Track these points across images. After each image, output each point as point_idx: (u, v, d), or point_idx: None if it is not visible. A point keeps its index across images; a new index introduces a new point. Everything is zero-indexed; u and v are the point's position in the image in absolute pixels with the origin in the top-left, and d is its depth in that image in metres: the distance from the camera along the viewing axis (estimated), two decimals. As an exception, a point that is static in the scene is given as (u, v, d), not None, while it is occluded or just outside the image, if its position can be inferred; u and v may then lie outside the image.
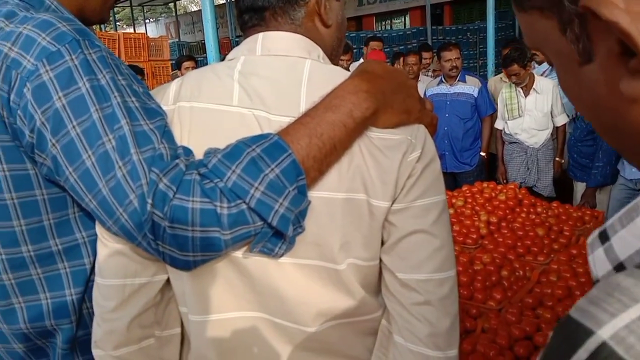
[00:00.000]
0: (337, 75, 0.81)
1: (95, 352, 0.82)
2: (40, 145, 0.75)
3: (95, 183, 0.70)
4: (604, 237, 0.38)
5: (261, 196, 0.67)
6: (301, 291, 0.78)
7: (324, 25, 0.86)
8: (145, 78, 4.59)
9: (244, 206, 0.67)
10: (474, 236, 2.56)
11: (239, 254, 0.76)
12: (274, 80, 0.79)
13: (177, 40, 18.05)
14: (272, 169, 0.68)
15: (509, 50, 3.98)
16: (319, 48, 0.85)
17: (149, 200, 0.66)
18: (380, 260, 0.81)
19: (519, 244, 2.44)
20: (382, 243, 0.81)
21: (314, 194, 0.75)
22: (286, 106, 0.77)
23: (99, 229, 0.80)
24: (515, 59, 3.81)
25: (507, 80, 4.21)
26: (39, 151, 0.76)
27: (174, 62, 7.23)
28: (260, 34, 0.84)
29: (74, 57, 0.75)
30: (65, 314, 0.88)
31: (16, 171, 0.81)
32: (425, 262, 0.79)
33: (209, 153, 0.72)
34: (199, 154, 0.74)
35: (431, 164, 0.80)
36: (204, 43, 4.13)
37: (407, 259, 0.79)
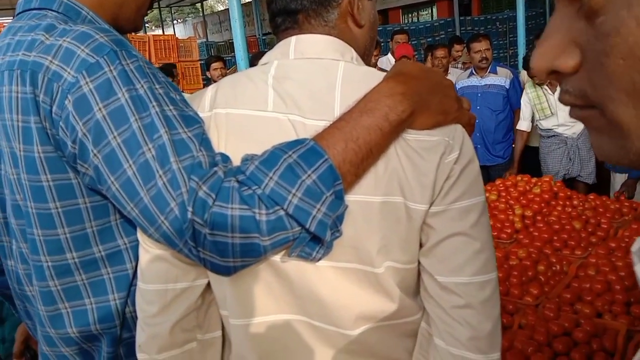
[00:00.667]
0: (371, 77, 0.81)
1: (139, 356, 0.84)
2: (82, 155, 0.77)
3: (137, 192, 0.72)
4: None
5: (299, 202, 0.68)
6: (340, 294, 0.78)
7: (357, 25, 0.86)
8: (177, 77, 4.66)
9: (282, 212, 0.68)
10: (509, 231, 2.52)
11: (277, 257, 0.77)
12: (308, 84, 0.80)
13: (204, 40, 18.24)
14: (309, 175, 0.69)
15: (530, 52, 3.90)
16: (352, 49, 0.85)
17: (190, 208, 0.68)
18: (419, 262, 0.81)
19: (555, 237, 2.40)
20: (421, 245, 0.80)
21: (350, 198, 0.75)
22: (321, 110, 0.77)
23: (140, 235, 0.81)
24: None
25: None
26: (82, 161, 0.78)
27: (203, 62, 7.32)
28: (293, 38, 0.84)
29: (112, 68, 0.77)
30: (109, 318, 0.91)
31: (60, 181, 0.83)
32: (466, 265, 0.78)
33: (246, 160, 0.73)
34: (236, 160, 0.75)
35: (469, 164, 0.79)
36: (232, 42, 4.16)
37: (447, 262, 0.78)
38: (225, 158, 0.75)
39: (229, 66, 7.80)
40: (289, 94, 0.79)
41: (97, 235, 0.87)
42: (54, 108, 0.78)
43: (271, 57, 0.85)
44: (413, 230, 0.78)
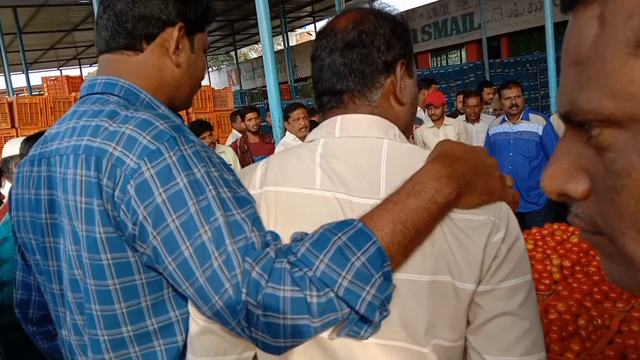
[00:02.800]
0: (415, 155, 0.84)
1: None
2: (141, 236, 0.82)
3: (193, 272, 0.76)
4: None
5: (349, 285, 0.70)
6: None
7: (399, 103, 0.90)
8: (212, 132, 4.81)
9: (332, 295, 0.70)
10: (547, 282, 2.48)
11: (325, 334, 0.78)
12: (354, 162, 0.83)
13: (238, 87, 18.76)
14: (359, 257, 0.71)
15: None
16: (395, 127, 0.88)
17: (244, 290, 0.71)
18: (466, 339, 0.82)
19: (595, 289, 2.35)
20: (468, 323, 0.81)
21: (398, 276, 0.77)
22: (367, 188, 0.80)
23: (191, 307, 0.84)
24: None
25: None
26: (140, 242, 0.83)
27: (237, 109, 7.52)
28: (339, 117, 0.88)
29: (172, 154, 0.82)
30: None
31: (119, 259, 0.88)
32: (514, 345, 0.78)
33: (297, 240, 0.76)
34: (285, 237, 0.79)
35: (516, 243, 0.80)
36: (265, 89, 4.28)
37: (495, 341, 0.78)
38: (276, 236, 0.79)
39: (263, 114, 8.00)
40: (336, 172, 0.82)
41: (151, 308, 0.91)
42: (117, 192, 0.83)
43: (317, 135, 0.89)
44: (461, 309, 0.79)
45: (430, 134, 4.74)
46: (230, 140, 6.04)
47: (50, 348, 1.23)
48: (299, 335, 0.72)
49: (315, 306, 0.70)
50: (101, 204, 0.86)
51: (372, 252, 0.71)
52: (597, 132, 0.33)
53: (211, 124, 4.98)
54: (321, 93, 0.91)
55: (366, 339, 0.76)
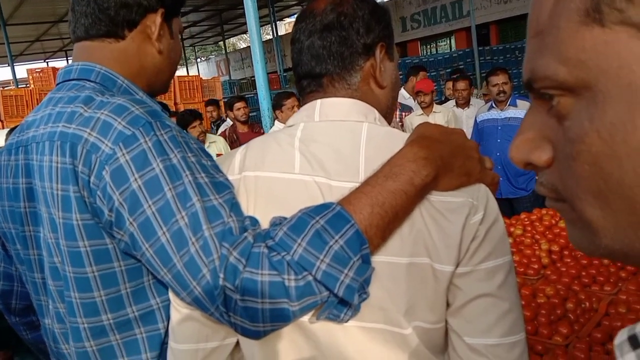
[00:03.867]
0: (394, 138, 0.83)
1: None
2: (118, 223, 0.81)
3: (170, 258, 0.75)
4: (634, 342, 0.35)
5: (327, 268, 0.70)
6: (367, 355, 0.79)
7: (379, 87, 0.89)
8: (202, 122, 4.77)
9: (311, 278, 0.70)
10: (536, 266, 2.50)
11: (305, 318, 0.78)
12: (333, 146, 0.82)
13: (227, 78, 18.65)
14: (337, 241, 0.71)
15: None
16: (375, 110, 0.88)
17: (221, 275, 0.71)
18: (446, 321, 0.82)
19: (583, 273, 2.37)
20: (448, 305, 0.81)
21: (377, 259, 0.77)
22: (346, 171, 0.80)
23: (171, 295, 0.84)
24: None
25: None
26: (117, 228, 0.82)
27: (226, 99, 7.47)
28: (318, 101, 0.87)
29: (147, 139, 0.81)
30: None
31: (96, 246, 0.87)
32: (494, 326, 0.78)
33: (275, 224, 0.76)
34: (264, 222, 0.78)
35: (495, 224, 0.80)
36: (254, 79, 4.26)
37: (475, 323, 0.79)
38: (254, 221, 0.78)
39: (252, 105, 7.95)
40: (315, 156, 0.82)
41: (131, 296, 0.90)
42: (92, 178, 0.82)
43: (297, 120, 0.89)
44: (440, 291, 0.79)
45: (420, 121, 4.73)
46: (222, 129, 6.00)
47: (34, 338, 1.22)
48: (278, 319, 0.71)
49: (294, 290, 0.70)
50: (77, 191, 0.85)
51: (350, 235, 0.71)
52: (556, 102, 0.35)
53: (201, 113, 4.95)
54: (301, 76, 0.91)
55: (346, 322, 0.76)
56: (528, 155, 0.38)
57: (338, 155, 0.81)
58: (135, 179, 0.79)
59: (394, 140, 0.82)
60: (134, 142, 0.81)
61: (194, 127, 4.45)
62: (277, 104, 4.46)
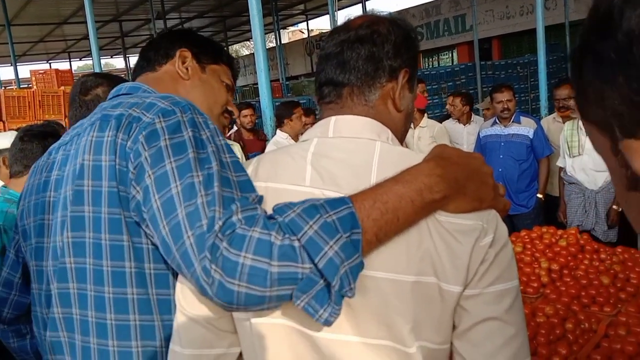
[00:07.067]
0: (407, 157, 0.84)
1: None
2: (138, 177, 0.85)
3: (175, 208, 0.78)
4: None
5: (313, 234, 0.70)
6: None
7: (396, 109, 0.91)
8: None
9: (296, 242, 0.70)
10: (535, 285, 2.49)
11: (309, 330, 0.79)
12: (346, 162, 0.83)
13: (229, 83, 18.67)
14: (330, 215, 0.72)
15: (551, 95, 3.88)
16: (389, 130, 0.89)
17: (219, 223, 0.73)
18: (451, 343, 0.82)
19: (583, 293, 2.36)
20: (454, 327, 0.81)
21: (383, 276, 0.77)
22: (358, 186, 0.80)
23: (177, 298, 0.84)
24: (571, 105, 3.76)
25: (560, 120, 4.15)
26: (135, 184, 0.85)
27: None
28: (333, 118, 0.89)
29: (184, 115, 0.88)
30: None
31: (113, 215, 0.89)
32: (500, 350, 0.78)
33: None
34: None
35: (504, 248, 0.80)
36: (256, 86, 4.25)
37: (481, 347, 0.79)
38: (261, 199, 0.81)
39: (258, 111, 7.93)
40: (327, 171, 0.83)
41: (134, 277, 0.91)
42: (129, 143, 0.88)
43: (311, 135, 0.90)
44: (446, 312, 0.79)
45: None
46: (228, 133, 5.97)
47: (20, 348, 1.24)
48: (252, 280, 0.70)
49: (277, 248, 0.70)
50: (112, 160, 0.89)
51: (344, 214, 0.72)
52: None
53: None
54: (322, 83, 0.92)
55: (324, 320, 0.72)
56: None
57: (350, 170, 0.82)
58: (165, 139, 0.84)
59: (407, 159, 0.83)
60: (171, 115, 0.87)
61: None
62: (287, 113, 4.46)
